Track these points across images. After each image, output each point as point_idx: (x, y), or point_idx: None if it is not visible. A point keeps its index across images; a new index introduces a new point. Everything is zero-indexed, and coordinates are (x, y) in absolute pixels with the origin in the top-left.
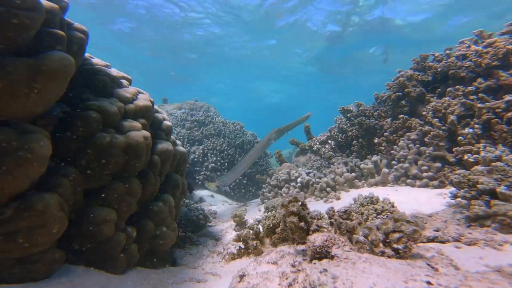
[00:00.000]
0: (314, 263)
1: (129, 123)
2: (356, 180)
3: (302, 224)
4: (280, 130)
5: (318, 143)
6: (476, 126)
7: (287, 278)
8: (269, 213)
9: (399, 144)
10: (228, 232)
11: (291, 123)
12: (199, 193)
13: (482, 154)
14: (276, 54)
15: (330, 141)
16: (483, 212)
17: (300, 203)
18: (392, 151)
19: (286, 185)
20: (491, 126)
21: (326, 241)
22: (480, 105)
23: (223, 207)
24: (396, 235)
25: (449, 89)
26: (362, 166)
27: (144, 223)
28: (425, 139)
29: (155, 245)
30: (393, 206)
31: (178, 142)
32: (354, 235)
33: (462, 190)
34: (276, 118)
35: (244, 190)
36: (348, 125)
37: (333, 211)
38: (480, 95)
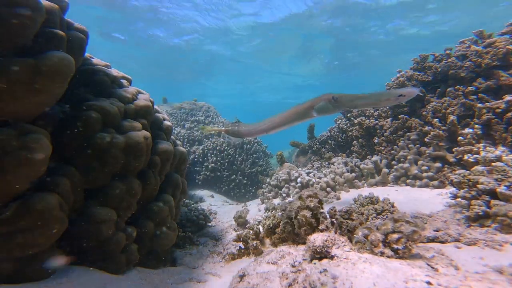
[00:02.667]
0: (314, 263)
1: (129, 123)
2: (356, 180)
3: (313, 220)
4: (340, 99)
5: (318, 143)
6: (476, 126)
7: (287, 278)
8: (269, 213)
9: (399, 144)
10: (228, 232)
11: (368, 95)
12: (199, 193)
13: (482, 154)
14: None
15: (330, 141)
16: (483, 212)
17: (318, 200)
18: (392, 151)
19: (286, 185)
20: (491, 126)
21: (326, 241)
22: (480, 105)
23: (223, 207)
24: (395, 235)
25: (449, 89)
26: (362, 166)
27: (144, 223)
28: (425, 139)
29: (155, 245)
30: (393, 206)
31: (178, 142)
32: (354, 235)
33: (462, 190)
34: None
35: (244, 190)
36: (348, 125)
37: (335, 211)
38: (480, 95)
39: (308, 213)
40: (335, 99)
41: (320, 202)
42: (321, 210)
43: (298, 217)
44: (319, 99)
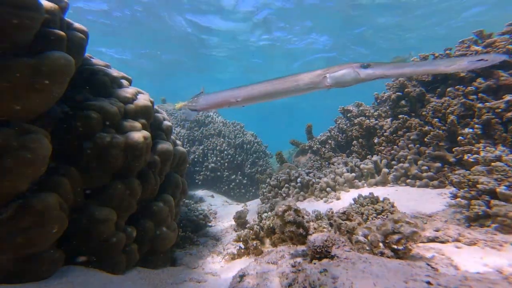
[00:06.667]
0: (314, 263)
1: (129, 123)
2: (356, 180)
3: (300, 230)
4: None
5: (318, 143)
6: (476, 126)
7: (287, 278)
8: (269, 213)
9: (399, 144)
10: (228, 232)
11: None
12: (199, 193)
13: (482, 154)
14: None
15: (330, 141)
16: (483, 212)
17: (294, 209)
18: (392, 151)
19: (286, 185)
20: (491, 126)
21: (326, 241)
22: (480, 105)
23: (223, 207)
24: (395, 236)
25: (449, 89)
26: (362, 166)
27: (144, 223)
28: (425, 139)
29: (155, 245)
30: (393, 206)
31: (178, 142)
32: (354, 235)
33: (462, 190)
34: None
35: (244, 190)
36: (348, 125)
37: (332, 212)
38: (480, 95)
39: (292, 227)
40: (365, 66)
41: (297, 210)
42: (303, 216)
43: (286, 234)
44: (338, 66)
